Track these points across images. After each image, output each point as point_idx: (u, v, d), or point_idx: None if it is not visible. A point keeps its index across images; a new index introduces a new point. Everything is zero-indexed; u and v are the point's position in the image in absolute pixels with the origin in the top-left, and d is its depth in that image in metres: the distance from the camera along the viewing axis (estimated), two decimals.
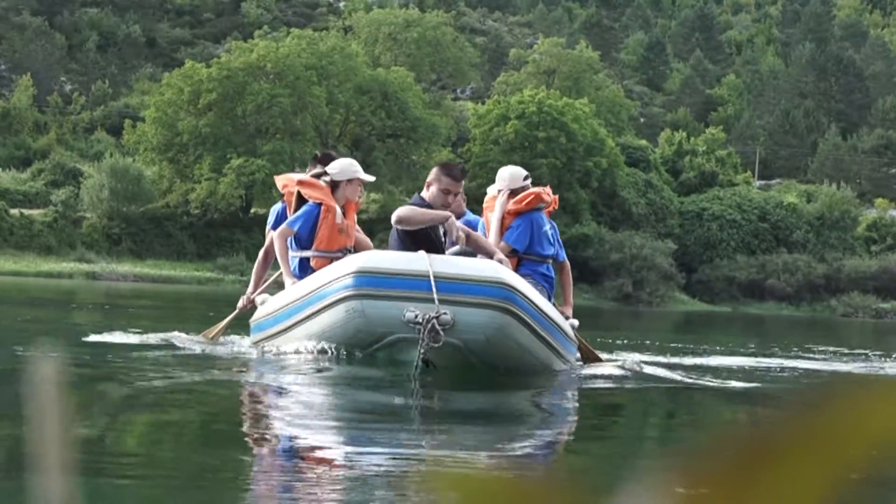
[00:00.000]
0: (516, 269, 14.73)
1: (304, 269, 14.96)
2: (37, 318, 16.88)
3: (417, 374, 12.16)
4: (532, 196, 15.61)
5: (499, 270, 12.96)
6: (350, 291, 12.67)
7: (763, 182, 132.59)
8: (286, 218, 15.54)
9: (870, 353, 25.14)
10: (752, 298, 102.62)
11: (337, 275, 13.08)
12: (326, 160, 15.93)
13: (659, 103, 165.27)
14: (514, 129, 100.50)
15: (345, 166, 15.48)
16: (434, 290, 12.14)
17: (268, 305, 15.21)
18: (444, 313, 12.04)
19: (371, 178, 16.61)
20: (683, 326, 45.03)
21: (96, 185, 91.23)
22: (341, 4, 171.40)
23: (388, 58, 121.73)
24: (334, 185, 15.27)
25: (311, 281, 13.84)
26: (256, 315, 15.69)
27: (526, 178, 16.02)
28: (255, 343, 15.78)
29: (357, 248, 15.48)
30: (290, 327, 14.02)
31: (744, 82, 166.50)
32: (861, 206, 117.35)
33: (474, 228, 14.87)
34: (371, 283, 12.57)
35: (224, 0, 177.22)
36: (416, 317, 12.04)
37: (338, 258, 14.56)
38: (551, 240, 15.77)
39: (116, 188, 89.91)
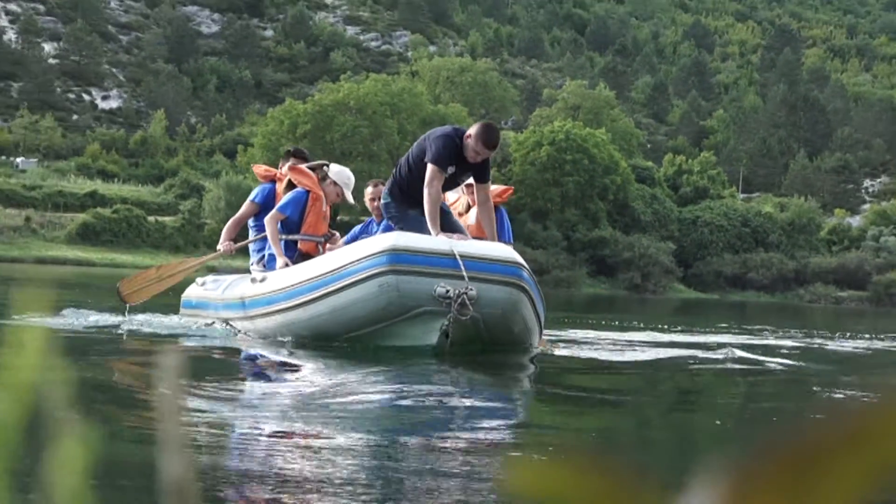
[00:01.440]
0: None
1: (291, 251, 13.82)
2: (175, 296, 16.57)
3: (445, 343, 11.46)
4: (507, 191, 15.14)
5: (511, 251, 12.45)
6: (384, 268, 11.67)
7: (745, 195, 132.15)
8: (274, 196, 14.51)
9: (830, 333, 24.86)
10: (736, 288, 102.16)
11: (366, 252, 12.01)
12: (298, 154, 15.09)
13: (662, 132, 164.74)
14: (547, 153, 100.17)
15: (342, 173, 14.46)
16: (463, 267, 11.42)
17: (270, 282, 13.54)
18: (472, 289, 11.30)
19: (351, 202, 15.14)
20: (680, 310, 44.78)
21: (215, 197, 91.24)
22: (409, 54, 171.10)
23: (447, 96, 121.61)
24: (322, 178, 14.11)
25: (334, 258, 12.72)
26: (253, 291, 13.93)
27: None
28: (251, 318, 14.06)
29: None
30: (312, 301, 12.63)
31: (730, 116, 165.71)
32: (823, 214, 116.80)
33: None
34: (404, 261, 11.64)
35: (316, 50, 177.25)
36: (448, 292, 11.29)
37: (321, 242, 13.99)
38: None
39: (231, 200, 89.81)
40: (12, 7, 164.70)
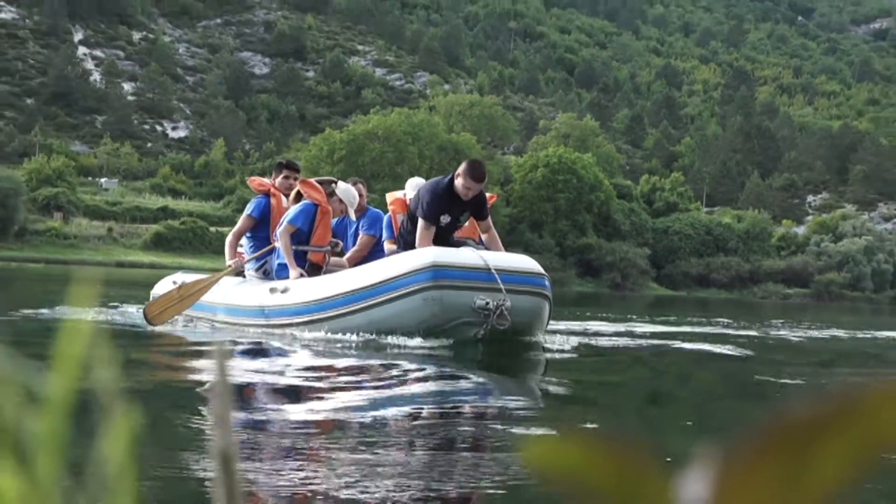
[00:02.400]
0: None
1: (300, 260, 12.43)
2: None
3: (479, 349, 10.67)
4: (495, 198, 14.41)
5: (534, 262, 11.62)
6: (429, 283, 10.77)
7: (708, 209, 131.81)
8: (269, 209, 13.20)
9: (776, 323, 24.77)
10: (701, 286, 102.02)
11: (409, 268, 11.01)
12: (290, 166, 13.73)
13: (638, 156, 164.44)
14: (542, 174, 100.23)
15: (349, 192, 12.76)
16: (499, 281, 10.71)
17: (295, 293, 11.98)
18: (507, 300, 10.60)
19: (353, 219, 13.23)
20: (654, 305, 44.65)
21: None
22: (428, 91, 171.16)
23: (459, 127, 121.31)
24: (329, 193, 12.63)
25: (370, 272, 11.47)
26: (278, 301, 12.22)
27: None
28: (273, 326, 12.34)
29: None
30: (349, 313, 11.41)
31: (695, 142, 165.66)
32: (773, 225, 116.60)
33: (378, 223, 13.07)
34: (446, 276, 10.80)
35: (350, 88, 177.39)
36: (487, 304, 10.60)
37: (327, 251, 12.58)
38: None
39: None
40: (97, 53, 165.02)
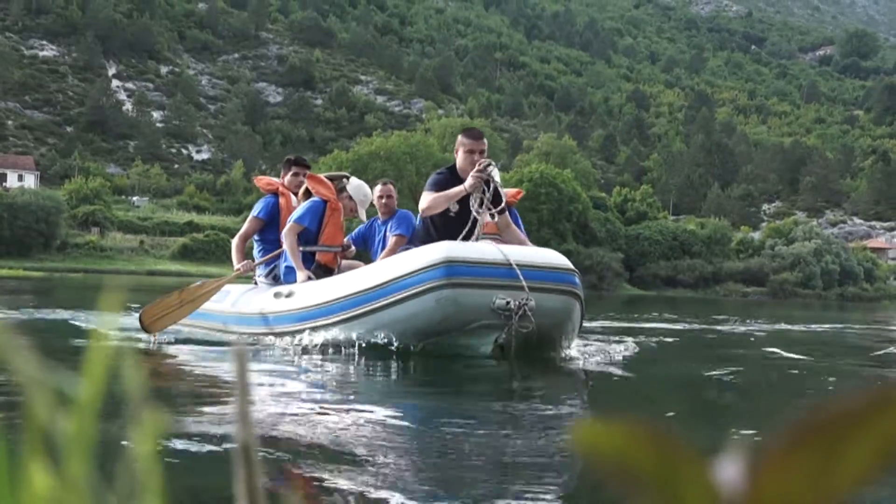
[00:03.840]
0: None
1: (308, 262, 10.24)
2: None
3: (500, 354, 8.62)
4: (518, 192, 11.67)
5: (563, 257, 9.32)
6: (442, 280, 8.58)
7: (674, 217, 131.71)
8: (278, 210, 11.01)
9: (732, 318, 24.69)
10: (669, 286, 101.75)
11: (420, 265, 8.79)
12: (300, 162, 11.56)
13: (612, 171, 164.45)
14: (526, 188, 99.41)
15: (360, 189, 10.58)
16: (521, 277, 8.56)
17: (300, 296, 9.76)
18: (531, 300, 8.50)
19: (363, 219, 10.81)
20: (628, 304, 44.54)
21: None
22: (424, 115, 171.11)
23: (452, 147, 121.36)
24: (340, 189, 10.42)
25: (384, 270, 9.21)
26: (282, 307, 10.00)
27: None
28: (280, 334, 9.99)
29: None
30: (357, 317, 9.18)
31: (662, 158, 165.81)
32: (732, 230, 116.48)
33: (406, 223, 10.67)
34: (461, 273, 8.60)
35: (354, 114, 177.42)
36: (508, 304, 8.47)
37: (338, 252, 10.37)
38: None
39: None
40: (129, 85, 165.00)
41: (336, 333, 9.46)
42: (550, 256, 9.22)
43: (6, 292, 25.83)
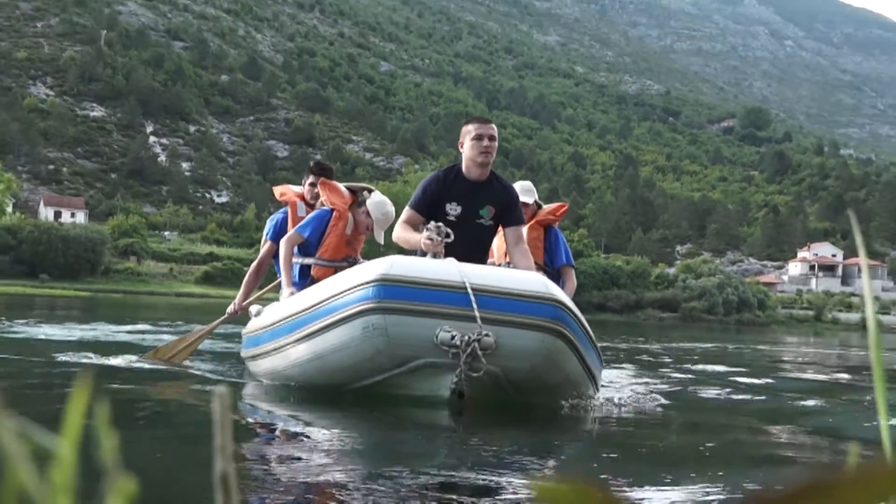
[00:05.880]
0: None
1: (304, 277, 7.36)
2: None
3: (459, 403, 5.41)
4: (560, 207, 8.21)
5: (548, 284, 5.75)
6: (370, 304, 5.48)
7: (605, 255, 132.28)
8: (286, 225, 8.00)
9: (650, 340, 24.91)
10: (600, 312, 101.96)
11: (353, 283, 5.68)
12: (318, 168, 8.23)
13: None
14: None
15: (381, 206, 7.51)
16: (475, 305, 5.37)
17: (263, 317, 7.07)
18: (487, 335, 5.32)
19: (381, 242, 7.39)
20: None
21: None
22: (403, 169, 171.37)
23: None
24: (360, 202, 7.57)
25: (320, 289, 6.12)
26: (249, 327, 7.50)
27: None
28: (246, 359, 7.49)
29: None
30: (291, 344, 6.20)
31: (596, 208, 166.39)
32: (652, 266, 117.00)
33: None
34: (396, 295, 5.45)
35: (347, 167, 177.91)
36: (453, 338, 5.31)
37: (343, 268, 6.89)
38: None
39: None
40: (163, 141, 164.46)
41: (274, 365, 6.60)
42: (525, 280, 5.70)
43: (61, 308, 25.97)
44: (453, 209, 6.47)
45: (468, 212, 6.50)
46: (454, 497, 3.20)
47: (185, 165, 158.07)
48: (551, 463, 4.22)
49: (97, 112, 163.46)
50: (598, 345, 6.47)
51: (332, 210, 7.48)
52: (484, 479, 3.54)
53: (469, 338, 5.34)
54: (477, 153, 6.52)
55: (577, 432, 5.71)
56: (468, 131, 6.65)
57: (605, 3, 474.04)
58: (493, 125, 6.66)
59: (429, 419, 5.42)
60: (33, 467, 0.45)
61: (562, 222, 8.42)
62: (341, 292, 5.78)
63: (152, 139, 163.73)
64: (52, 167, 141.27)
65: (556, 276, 7.60)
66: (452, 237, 5.90)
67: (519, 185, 7.75)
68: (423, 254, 5.95)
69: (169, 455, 3.61)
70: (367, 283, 5.57)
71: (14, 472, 0.44)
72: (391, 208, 7.58)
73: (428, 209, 6.46)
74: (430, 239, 5.86)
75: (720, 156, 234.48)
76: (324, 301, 5.95)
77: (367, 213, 7.49)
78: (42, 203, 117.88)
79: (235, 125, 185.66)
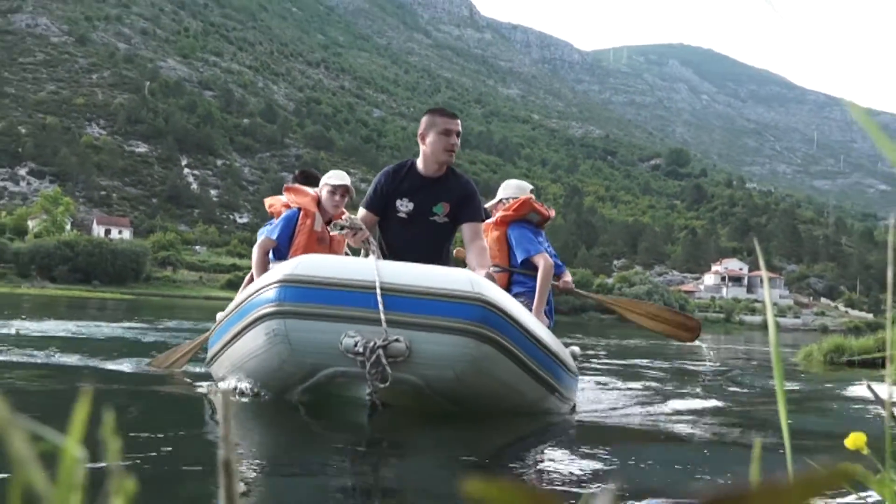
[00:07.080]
0: (507, 287, 5.96)
1: None
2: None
3: (369, 416, 3.93)
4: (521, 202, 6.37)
5: (475, 282, 3.97)
6: (271, 307, 4.01)
7: None
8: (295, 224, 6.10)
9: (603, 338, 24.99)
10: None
11: (263, 283, 4.18)
12: (302, 177, 6.97)
13: None
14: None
15: (331, 176, 6.03)
16: (381, 306, 3.82)
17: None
18: (396, 340, 3.81)
19: (347, 182, 6.00)
20: None
21: None
22: None
23: None
24: (321, 188, 6.02)
25: (245, 291, 4.68)
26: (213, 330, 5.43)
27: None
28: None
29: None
30: (222, 349, 4.76)
31: (548, 230, 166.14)
32: (594, 277, 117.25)
33: None
34: (297, 297, 3.93)
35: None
36: (356, 344, 3.82)
37: None
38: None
39: None
40: (195, 172, 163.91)
41: (216, 370, 5.13)
42: (448, 278, 4.02)
43: (110, 309, 25.90)
44: (404, 206, 4.89)
45: (421, 208, 4.89)
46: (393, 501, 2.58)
47: (213, 192, 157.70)
48: (488, 463, 3.29)
49: (141, 148, 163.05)
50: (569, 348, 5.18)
51: (300, 210, 5.93)
52: (416, 484, 2.90)
53: (374, 344, 3.84)
54: (442, 149, 4.80)
55: (520, 431, 4.34)
56: (433, 123, 4.84)
57: (557, 63, 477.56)
58: (457, 118, 4.88)
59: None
60: (41, 467, 0.38)
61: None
62: (253, 293, 4.33)
63: (186, 171, 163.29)
64: (103, 193, 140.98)
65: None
66: (365, 232, 4.47)
67: (515, 183, 6.51)
68: (367, 254, 4.47)
69: (169, 455, 2.99)
70: (272, 284, 4.12)
71: (21, 472, 0.38)
72: (342, 173, 6.04)
73: (380, 207, 4.96)
74: (343, 235, 4.51)
75: (649, 188, 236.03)
76: (241, 304, 4.51)
77: (329, 194, 5.90)
78: (95, 222, 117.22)
79: (255, 160, 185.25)
